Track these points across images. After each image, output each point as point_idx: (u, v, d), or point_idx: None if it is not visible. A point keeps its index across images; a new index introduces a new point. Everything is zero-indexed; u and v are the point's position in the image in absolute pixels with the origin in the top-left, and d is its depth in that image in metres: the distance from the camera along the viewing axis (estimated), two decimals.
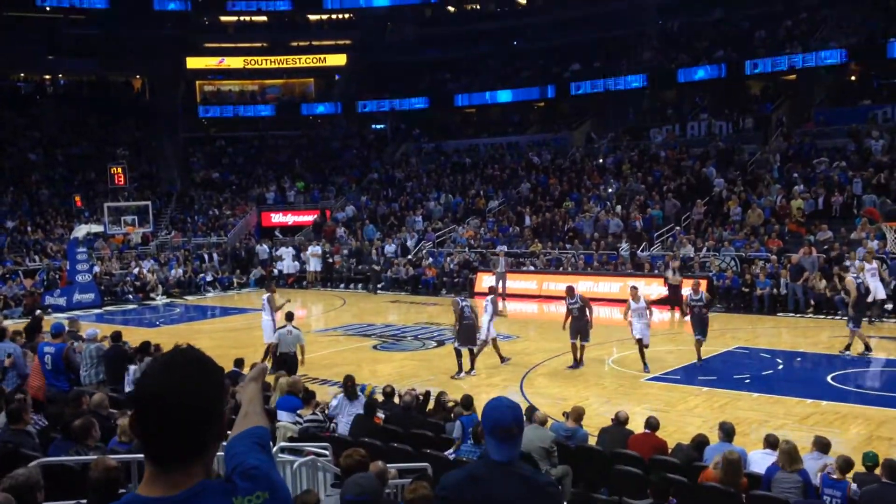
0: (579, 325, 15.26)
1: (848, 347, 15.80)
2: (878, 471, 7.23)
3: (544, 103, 41.12)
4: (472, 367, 15.21)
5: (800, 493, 7.06)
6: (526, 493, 2.87)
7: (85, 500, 5.12)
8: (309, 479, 7.21)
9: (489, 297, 16.60)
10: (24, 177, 37.27)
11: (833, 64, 31.29)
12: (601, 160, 34.02)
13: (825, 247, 22.29)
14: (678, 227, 26.47)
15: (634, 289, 15.66)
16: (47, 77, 45.83)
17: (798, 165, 27.84)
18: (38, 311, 19.81)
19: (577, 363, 15.29)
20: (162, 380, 1.76)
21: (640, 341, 14.87)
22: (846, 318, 16.56)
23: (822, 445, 7.96)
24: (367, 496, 4.21)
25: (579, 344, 15.25)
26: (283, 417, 9.82)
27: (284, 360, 13.97)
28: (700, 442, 8.70)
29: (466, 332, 15.14)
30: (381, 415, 9.79)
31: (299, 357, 14.26)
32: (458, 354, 15.15)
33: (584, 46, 40.11)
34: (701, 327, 15.25)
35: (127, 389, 11.23)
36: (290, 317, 14.88)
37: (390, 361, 16.65)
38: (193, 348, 1.87)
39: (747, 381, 13.80)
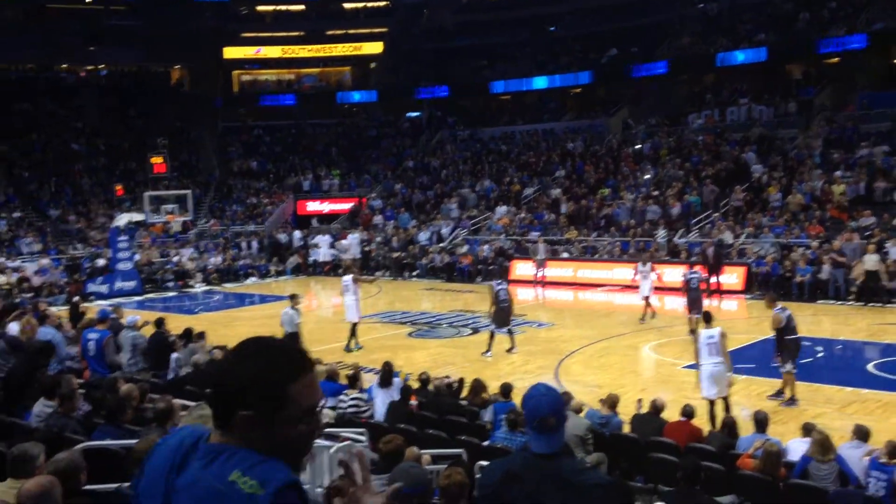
0: (697, 295, 16.28)
1: None
2: None
3: (581, 89, 40.80)
4: (513, 345, 15.66)
5: (836, 481, 7.00)
6: (567, 496, 2.67)
7: (128, 484, 5.25)
8: None
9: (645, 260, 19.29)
10: (66, 166, 37.99)
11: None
12: (638, 146, 33.70)
13: (867, 233, 21.89)
14: (716, 214, 26.16)
15: (707, 314, 11.63)
16: (89, 68, 46.59)
17: (841, 150, 27.32)
18: (75, 299, 20.15)
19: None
20: (223, 362, 2.01)
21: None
22: None
23: (862, 434, 7.86)
24: (421, 487, 4.25)
25: (695, 317, 15.05)
26: None
27: (287, 339, 14.24)
28: (729, 425, 8.68)
29: (501, 314, 15.51)
30: (412, 403, 9.86)
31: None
32: (493, 335, 15.60)
33: (621, 32, 39.69)
34: (785, 351, 11.80)
35: (170, 376, 11.46)
36: (292, 298, 15.25)
37: (425, 349, 16.74)
38: (258, 339, 1.94)
39: None
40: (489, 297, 15.77)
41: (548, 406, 2.79)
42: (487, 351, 15.49)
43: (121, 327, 12.58)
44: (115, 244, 26.66)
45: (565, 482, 2.70)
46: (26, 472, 4.59)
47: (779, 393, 11.91)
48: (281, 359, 1.88)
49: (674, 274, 20.68)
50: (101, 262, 27.95)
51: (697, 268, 18.49)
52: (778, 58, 33.70)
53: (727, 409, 10.50)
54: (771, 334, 12.54)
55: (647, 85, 38.34)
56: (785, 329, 11.75)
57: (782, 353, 11.81)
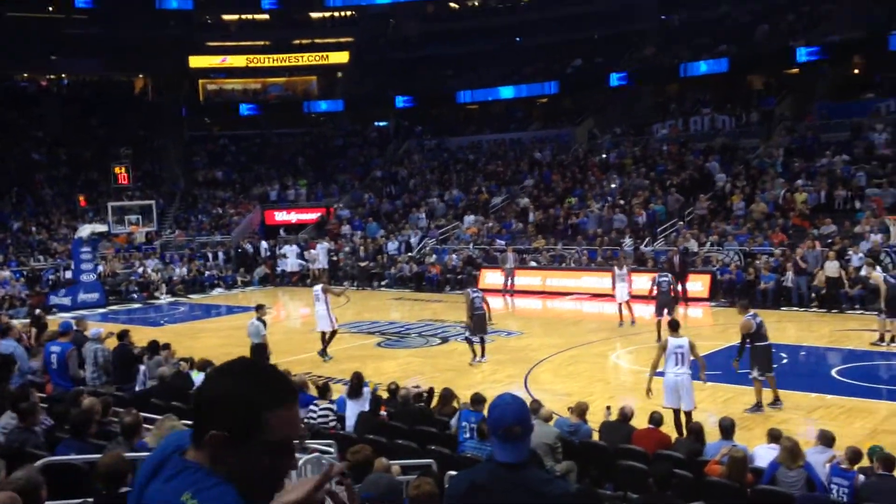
0: (667, 299, 16.83)
1: (882, 338, 15.78)
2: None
3: (547, 99, 41.11)
4: (483, 354, 15.67)
5: (804, 488, 7.08)
6: None
7: (92, 500, 5.15)
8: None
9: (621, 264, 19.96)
10: (27, 177, 37.35)
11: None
12: (604, 155, 34.00)
13: (829, 241, 22.25)
14: (681, 222, 26.45)
15: (675, 322, 11.61)
16: (51, 77, 45.90)
17: (801, 159, 27.80)
18: (37, 311, 19.82)
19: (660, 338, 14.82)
20: (207, 377, 1.98)
21: None
22: (877, 311, 16.30)
23: (826, 439, 7.97)
24: (390, 497, 4.23)
25: (665, 319, 15.05)
26: None
27: (254, 350, 14.14)
28: (696, 432, 8.75)
29: (478, 322, 15.60)
30: (382, 414, 9.82)
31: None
32: (470, 342, 15.65)
33: (586, 42, 40.13)
34: (754, 357, 11.86)
35: (137, 388, 11.28)
36: (258, 308, 15.23)
37: (394, 359, 16.69)
38: (247, 360, 1.95)
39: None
40: (466, 306, 15.76)
41: (513, 415, 2.76)
42: (475, 358, 15.51)
43: (84, 340, 12.36)
44: (78, 255, 26.24)
45: (533, 492, 2.68)
46: None
47: (776, 400, 11.92)
48: (264, 384, 1.84)
49: (640, 282, 20.84)
50: (68, 273, 27.53)
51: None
52: (739, 69, 34.27)
53: (689, 419, 10.51)
54: (737, 341, 12.68)
55: (613, 95, 38.76)
56: (755, 335, 11.87)
57: (751, 359, 11.92)
